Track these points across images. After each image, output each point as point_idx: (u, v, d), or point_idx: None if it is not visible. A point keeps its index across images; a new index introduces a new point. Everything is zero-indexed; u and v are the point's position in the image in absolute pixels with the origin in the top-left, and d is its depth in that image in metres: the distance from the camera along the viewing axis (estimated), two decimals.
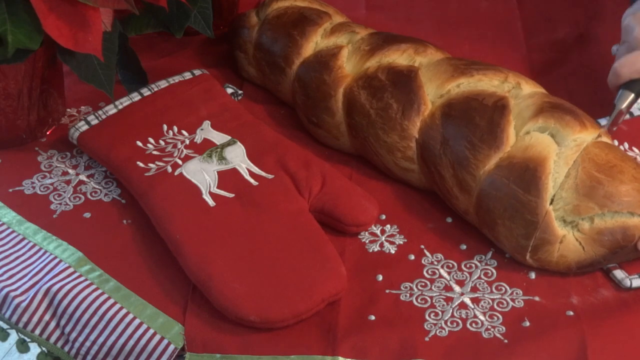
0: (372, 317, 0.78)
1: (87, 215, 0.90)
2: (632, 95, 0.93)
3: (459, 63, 0.92)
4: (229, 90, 1.04)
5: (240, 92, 1.06)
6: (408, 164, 0.91)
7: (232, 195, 0.87)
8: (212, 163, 0.91)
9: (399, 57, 0.95)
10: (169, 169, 0.90)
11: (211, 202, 0.86)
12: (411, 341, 0.75)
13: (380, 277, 0.82)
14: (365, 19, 1.17)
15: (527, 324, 0.76)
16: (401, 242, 0.86)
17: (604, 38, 1.10)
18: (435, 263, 0.83)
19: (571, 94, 1.01)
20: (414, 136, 0.89)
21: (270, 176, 0.89)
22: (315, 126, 0.98)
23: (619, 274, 0.80)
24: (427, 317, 0.78)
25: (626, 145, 0.96)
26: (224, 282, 0.78)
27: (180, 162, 0.91)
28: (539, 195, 0.79)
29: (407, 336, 0.76)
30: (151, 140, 0.94)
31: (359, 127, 0.93)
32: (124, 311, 0.80)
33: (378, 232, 0.87)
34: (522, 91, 0.88)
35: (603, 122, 0.95)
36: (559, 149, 0.81)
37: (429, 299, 0.79)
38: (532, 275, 0.81)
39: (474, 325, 0.77)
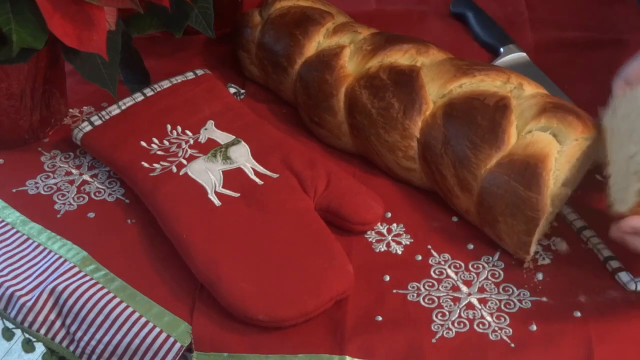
0: (379, 318, 0.78)
1: (91, 215, 0.90)
2: None
3: (461, 63, 0.92)
4: (232, 90, 1.04)
5: (242, 91, 1.06)
6: (409, 163, 0.91)
7: (237, 194, 0.87)
8: (216, 163, 0.91)
9: (401, 57, 0.95)
10: (174, 169, 0.90)
11: (217, 202, 0.86)
12: (418, 343, 0.76)
13: (387, 277, 0.82)
14: (375, 14, 1.17)
15: (534, 327, 0.77)
16: (408, 242, 0.86)
17: (609, 42, 1.10)
18: (443, 263, 0.83)
19: (572, 95, 1.01)
20: (415, 136, 0.89)
21: (275, 175, 0.89)
22: (317, 126, 0.98)
23: (624, 276, 0.80)
24: (434, 317, 0.78)
25: None
26: (232, 281, 0.78)
27: (185, 162, 0.91)
28: (540, 192, 0.79)
29: (414, 338, 0.76)
30: (155, 140, 0.94)
31: (361, 127, 0.93)
32: (129, 310, 0.80)
33: (384, 231, 0.87)
34: (524, 92, 0.88)
35: None
36: (560, 147, 0.81)
37: (436, 299, 0.80)
38: (540, 276, 0.82)
39: (481, 326, 0.77)
